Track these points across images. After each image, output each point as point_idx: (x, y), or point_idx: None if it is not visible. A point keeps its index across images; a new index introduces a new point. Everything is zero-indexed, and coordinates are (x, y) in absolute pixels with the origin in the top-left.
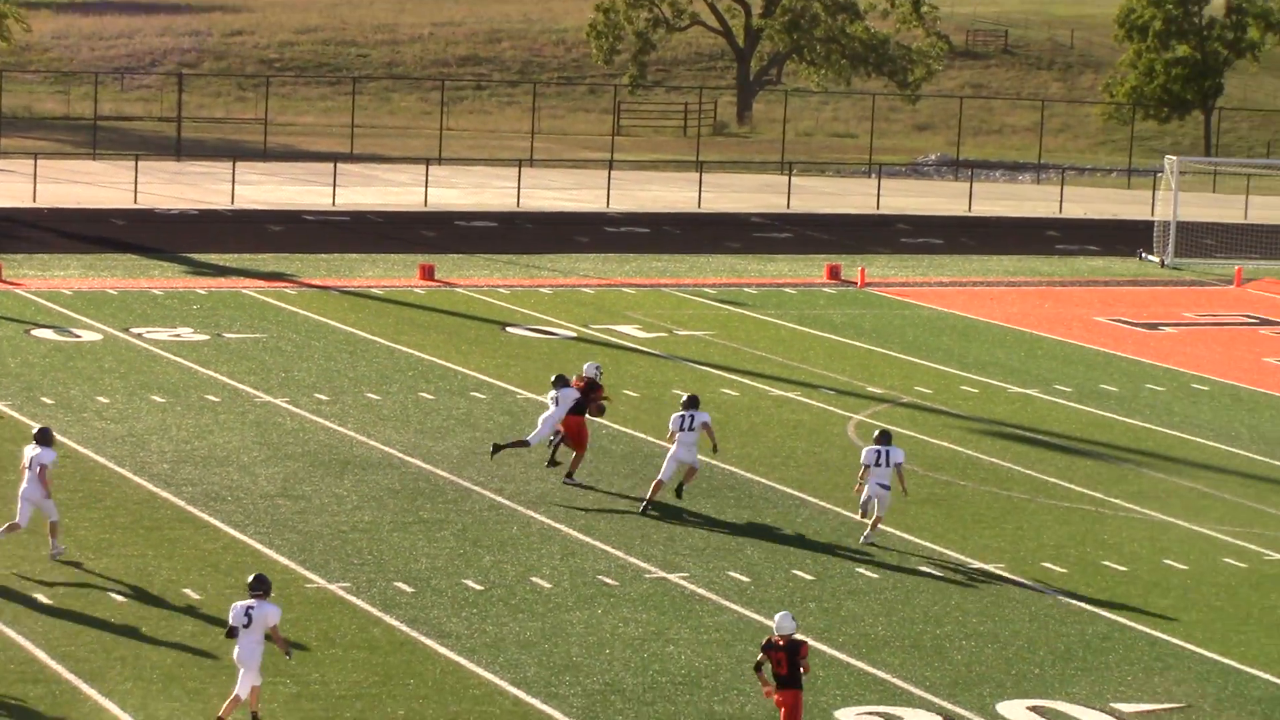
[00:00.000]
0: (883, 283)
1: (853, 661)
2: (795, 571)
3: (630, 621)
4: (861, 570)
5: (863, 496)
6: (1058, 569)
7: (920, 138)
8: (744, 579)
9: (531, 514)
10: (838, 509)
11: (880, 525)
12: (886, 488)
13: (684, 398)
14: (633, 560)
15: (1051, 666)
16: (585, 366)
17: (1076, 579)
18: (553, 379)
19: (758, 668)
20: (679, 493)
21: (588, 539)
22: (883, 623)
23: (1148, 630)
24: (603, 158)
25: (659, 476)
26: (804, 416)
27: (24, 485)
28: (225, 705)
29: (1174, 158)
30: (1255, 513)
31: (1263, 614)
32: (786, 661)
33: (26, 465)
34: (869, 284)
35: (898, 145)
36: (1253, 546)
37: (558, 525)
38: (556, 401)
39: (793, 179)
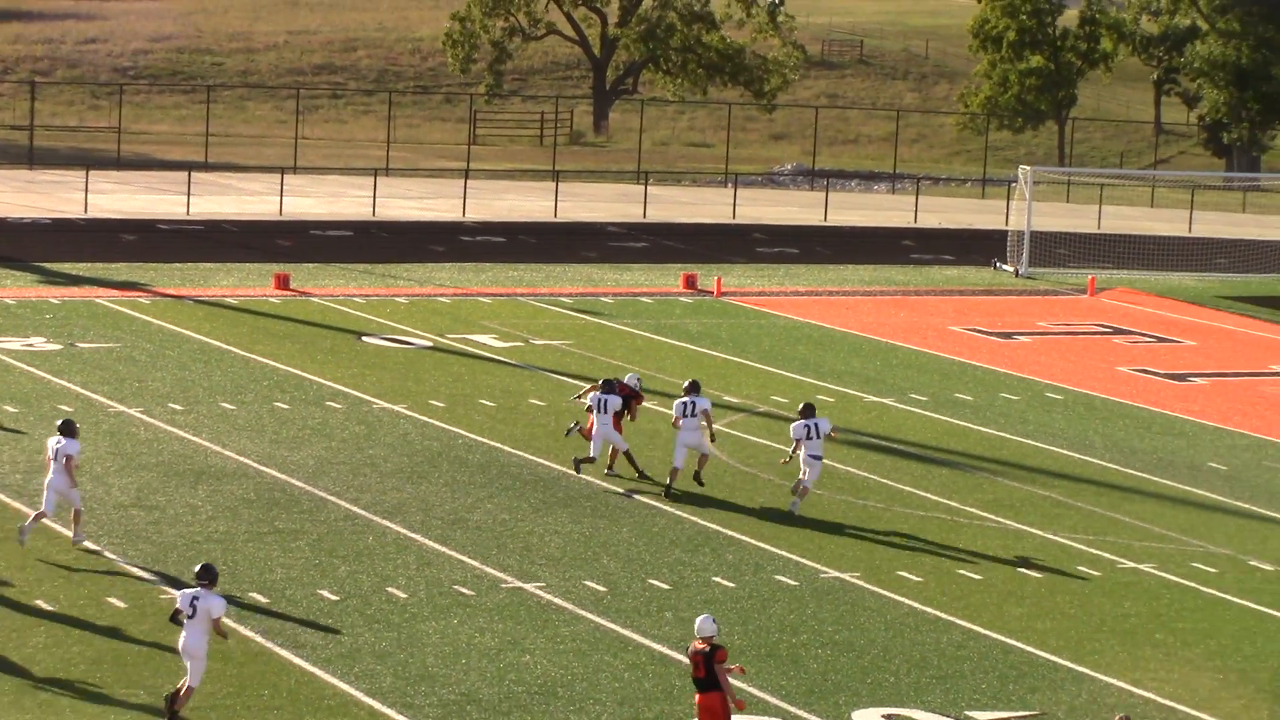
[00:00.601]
0: (739, 292)
1: None
2: (652, 581)
3: (486, 631)
4: (718, 579)
5: (799, 471)
6: (913, 577)
7: (776, 147)
8: (600, 589)
9: (387, 524)
10: (694, 518)
11: (807, 493)
12: (819, 458)
13: (685, 384)
14: (489, 570)
15: (906, 675)
16: (627, 377)
17: (931, 587)
18: (601, 383)
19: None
20: (698, 480)
21: (444, 549)
22: (739, 632)
23: (1002, 638)
24: (459, 167)
25: (673, 464)
26: (661, 426)
27: (50, 475)
28: (179, 696)
29: (1028, 168)
30: (1109, 521)
31: (1116, 621)
32: (704, 664)
33: (51, 456)
34: (725, 293)
35: (754, 155)
36: (1106, 555)
37: (413, 535)
38: (603, 407)
39: (649, 188)
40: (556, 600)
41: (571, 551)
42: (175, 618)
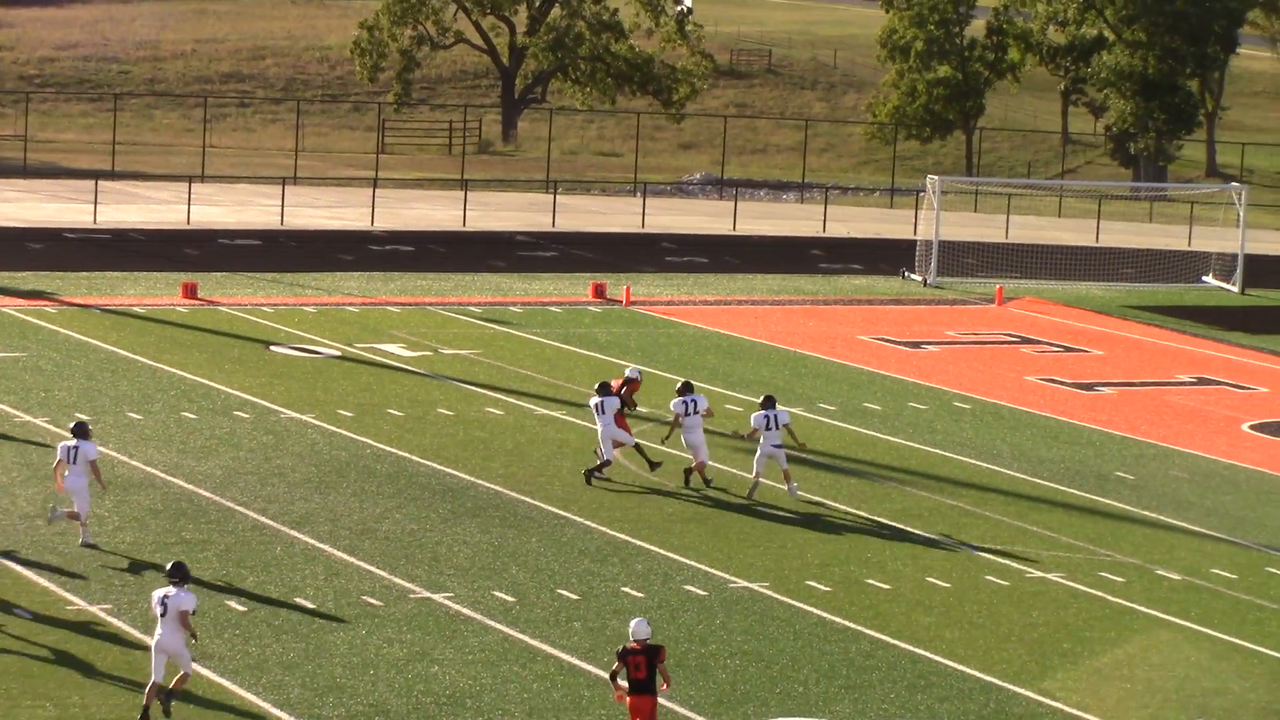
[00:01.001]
0: (648, 301)
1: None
2: (560, 591)
3: (395, 642)
4: (626, 590)
5: (757, 460)
6: (821, 587)
7: (685, 156)
8: (509, 599)
9: (295, 534)
10: (603, 528)
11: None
12: (780, 446)
13: (679, 384)
14: (397, 580)
15: (815, 685)
16: (628, 370)
17: (840, 597)
18: (596, 386)
19: (613, 676)
20: (706, 481)
21: (352, 559)
22: None
23: (910, 648)
24: (367, 176)
25: (694, 461)
26: (569, 435)
27: (69, 478)
28: (146, 691)
29: (936, 177)
30: (1017, 530)
31: (1024, 631)
32: (645, 665)
33: (66, 459)
34: (634, 302)
35: (663, 164)
36: (1014, 564)
37: (322, 545)
38: (601, 409)
39: (558, 197)
40: (465, 611)
41: (480, 562)
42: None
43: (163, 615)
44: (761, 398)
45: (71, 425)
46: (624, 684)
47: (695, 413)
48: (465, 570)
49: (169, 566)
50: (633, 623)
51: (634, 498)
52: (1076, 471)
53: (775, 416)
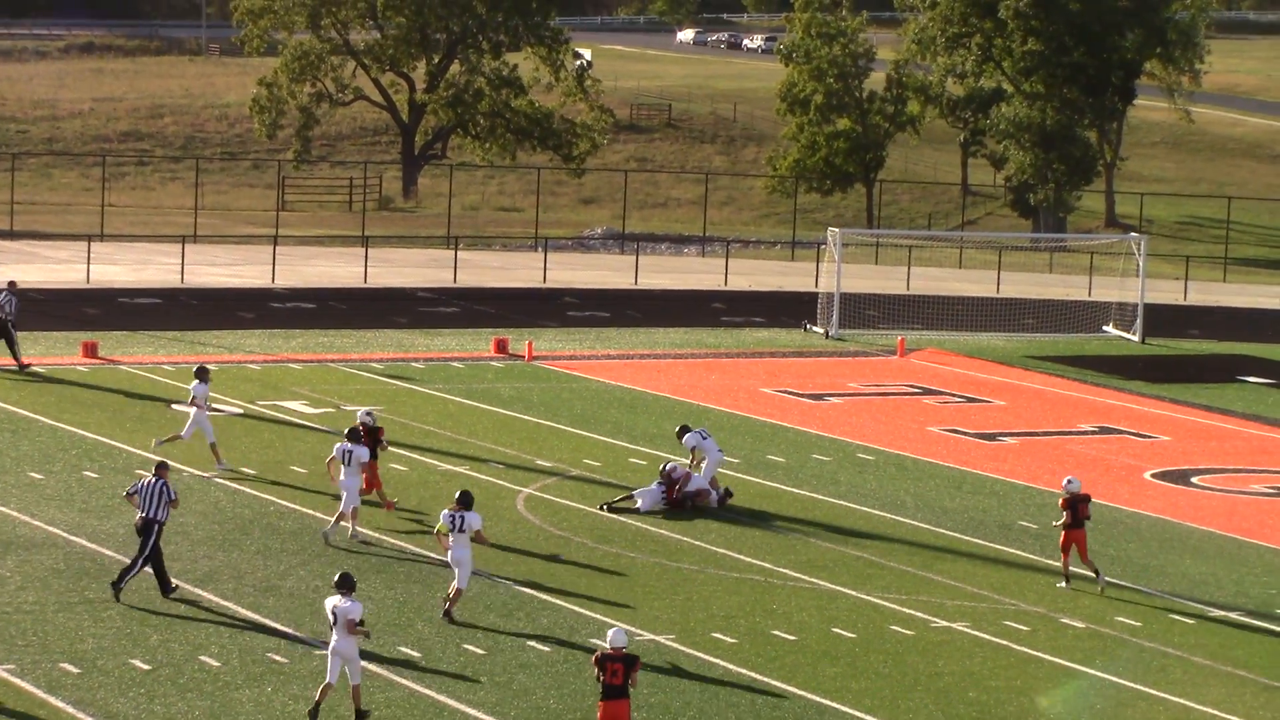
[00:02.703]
0: (550, 356)
1: None
2: (466, 646)
3: (301, 699)
4: (533, 644)
5: (451, 564)
6: (728, 639)
7: (586, 211)
8: (415, 654)
9: (199, 592)
10: (508, 582)
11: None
12: (468, 553)
13: (457, 494)
14: (302, 637)
15: None
16: (359, 414)
17: (746, 649)
18: (345, 432)
19: (599, 679)
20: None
21: (256, 616)
22: (554, 696)
23: (817, 698)
24: (267, 233)
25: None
26: (474, 491)
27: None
28: (319, 692)
29: (837, 230)
30: (921, 580)
31: (930, 679)
32: (624, 671)
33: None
34: (536, 357)
35: (564, 219)
36: (919, 614)
37: (226, 603)
38: (348, 457)
39: (459, 253)
40: (370, 667)
41: (385, 618)
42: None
43: (334, 624)
44: (458, 494)
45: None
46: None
47: (462, 529)
48: (371, 627)
49: (337, 577)
50: (610, 632)
51: (539, 551)
52: (980, 521)
53: (464, 518)
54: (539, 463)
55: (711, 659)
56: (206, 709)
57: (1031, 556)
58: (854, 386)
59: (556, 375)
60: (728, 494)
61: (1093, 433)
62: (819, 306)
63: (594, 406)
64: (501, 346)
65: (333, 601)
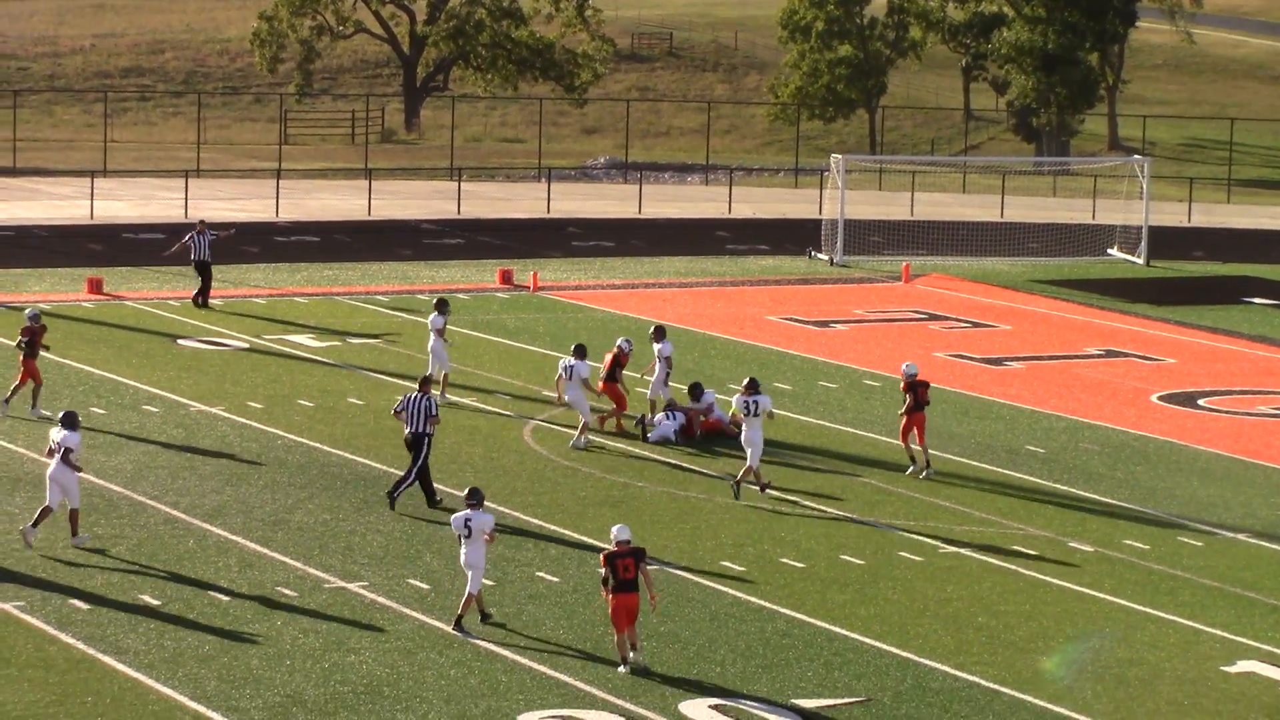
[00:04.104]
0: (555, 286)
1: (535, 666)
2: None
3: (310, 632)
4: (541, 574)
5: (744, 445)
6: (736, 567)
7: (589, 141)
8: (424, 586)
9: (208, 527)
10: (516, 513)
11: (751, 475)
12: (757, 435)
13: (745, 381)
14: (311, 570)
15: (733, 665)
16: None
17: (755, 577)
18: (573, 348)
19: (604, 582)
20: (736, 484)
21: (265, 550)
22: (564, 626)
23: (826, 625)
24: (270, 167)
25: (747, 463)
26: (479, 422)
27: (51, 468)
28: (462, 604)
29: (840, 156)
30: (929, 506)
31: (938, 606)
32: (635, 565)
33: (54, 448)
34: (542, 288)
35: (566, 149)
36: (927, 540)
37: (234, 537)
38: (570, 372)
39: (463, 185)
40: (380, 599)
41: (394, 550)
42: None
43: (468, 536)
44: (745, 381)
45: (61, 415)
46: (611, 586)
47: (756, 414)
48: (379, 559)
49: (467, 492)
50: (614, 528)
51: (547, 482)
52: (987, 446)
53: (757, 402)
54: (545, 393)
55: (720, 588)
56: (217, 643)
57: (1039, 481)
58: (859, 313)
59: (562, 305)
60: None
61: (1099, 356)
62: (823, 233)
63: (600, 336)
64: (506, 277)
65: (464, 515)
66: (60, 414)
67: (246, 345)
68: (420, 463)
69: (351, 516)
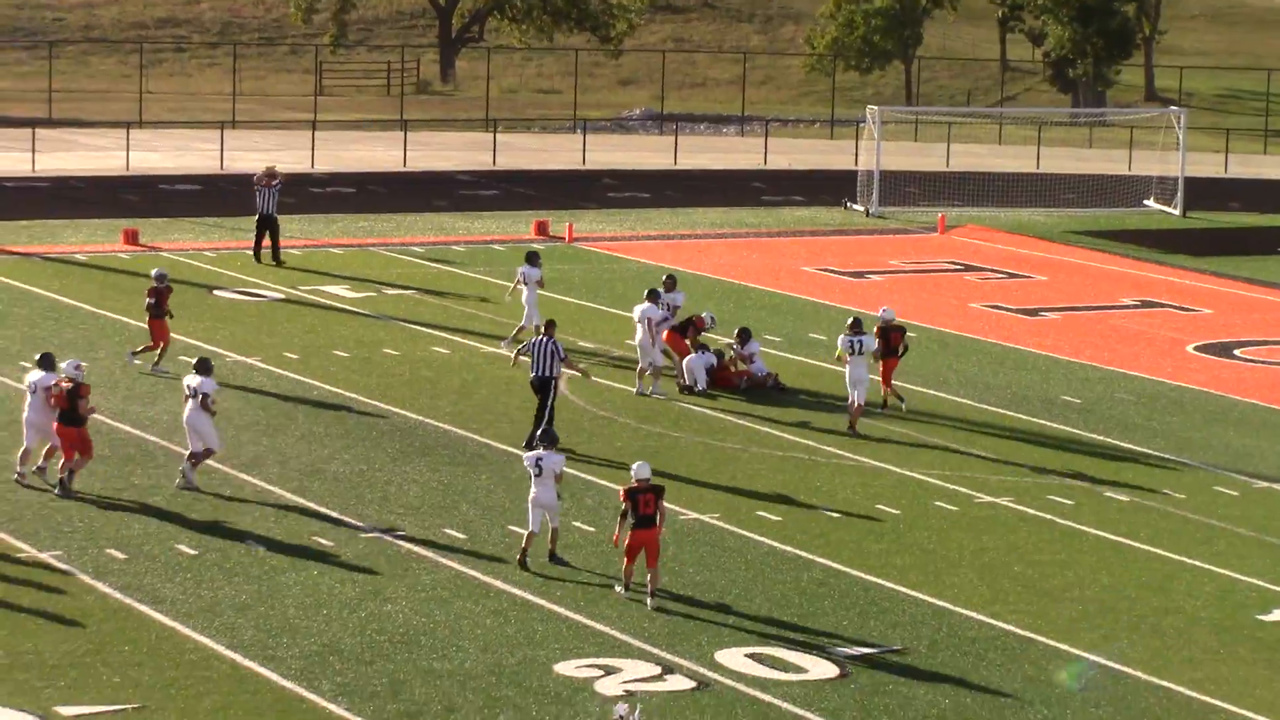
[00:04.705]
0: (591, 237)
1: (571, 615)
2: (511, 527)
3: (347, 581)
4: (577, 524)
5: (851, 391)
6: (772, 517)
7: (624, 93)
8: (460, 536)
9: (244, 477)
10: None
11: (861, 413)
12: (862, 374)
13: (850, 320)
14: (347, 520)
15: (768, 614)
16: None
17: (791, 526)
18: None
19: (623, 515)
20: (851, 427)
21: (301, 500)
22: (599, 576)
23: (862, 575)
24: (306, 118)
25: (855, 403)
26: (516, 373)
27: (186, 413)
28: (525, 540)
29: (876, 108)
30: (964, 457)
31: (974, 556)
32: (655, 501)
33: (189, 394)
34: (577, 239)
35: (602, 100)
36: (963, 489)
37: (271, 487)
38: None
39: (498, 136)
40: (416, 549)
41: (430, 500)
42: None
43: (538, 475)
44: (850, 320)
45: (195, 361)
46: (630, 521)
47: (860, 352)
48: (415, 509)
49: (539, 433)
50: (635, 465)
51: (582, 434)
52: (1023, 397)
53: (860, 342)
54: (581, 344)
55: (757, 537)
56: (254, 592)
57: (1075, 431)
58: (895, 264)
59: (597, 256)
60: (776, 383)
61: (1135, 307)
62: (859, 184)
63: (635, 287)
64: (542, 228)
65: (536, 454)
66: (195, 360)
67: (282, 296)
68: (549, 406)
69: (387, 467)
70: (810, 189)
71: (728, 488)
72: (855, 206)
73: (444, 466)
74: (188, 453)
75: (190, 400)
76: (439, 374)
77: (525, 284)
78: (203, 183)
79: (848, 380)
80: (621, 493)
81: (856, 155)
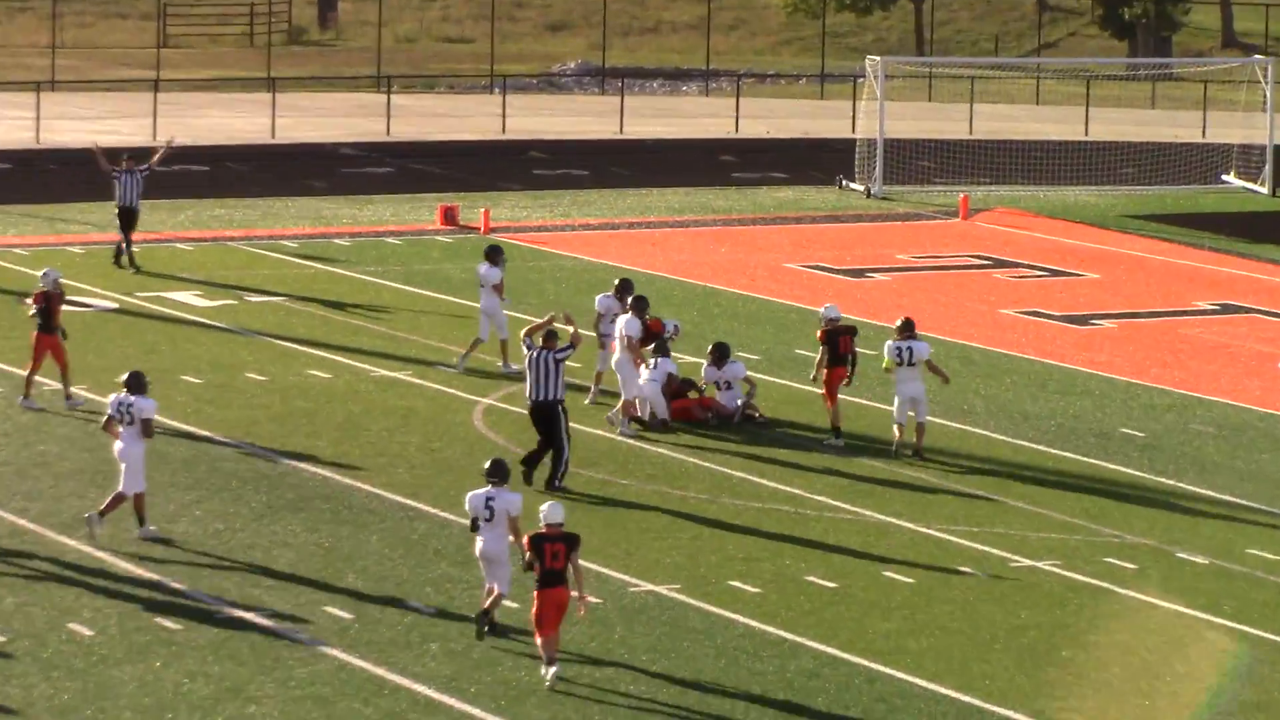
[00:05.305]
0: (513, 227)
1: (488, 717)
2: (412, 604)
3: (198, 676)
4: (506, 601)
5: (896, 408)
6: (749, 588)
7: (554, 41)
8: (345, 616)
9: (65, 541)
10: (465, 521)
11: (923, 438)
12: (916, 387)
13: (899, 322)
14: (200, 596)
15: (745, 714)
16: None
17: (774, 600)
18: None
19: (528, 567)
20: (918, 454)
21: (139, 570)
22: (525, 665)
23: (866, 662)
24: (146, 77)
25: (895, 420)
26: (417, 403)
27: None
28: (485, 598)
29: (878, 58)
30: (996, 507)
31: (1010, 636)
32: (565, 553)
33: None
34: (495, 229)
35: (526, 51)
36: (995, 550)
37: (100, 555)
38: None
39: (393, 98)
40: (289, 633)
41: (307, 569)
42: (474, 527)
43: (488, 520)
44: (899, 322)
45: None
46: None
47: (911, 362)
48: (288, 581)
49: (488, 465)
50: (544, 507)
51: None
52: (1071, 429)
53: (911, 349)
54: (500, 365)
55: (729, 614)
56: (78, 692)
57: (1137, 473)
58: (904, 259)
59: (521, 252)
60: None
61: (1212, 312)
62: (857, 157)
63: (570, 291)
64: (449, 216)
65: (484, 493)
66: (125, 376)
67: (116, 306)
68: (560, 439)
69: (251, 526)
70: (795, 163)
71: (691, 550)
72: (853, 186)
73: (324, 525)
74: (110, 500)
75: (123, 428)
76: (318, 405)
77: (484, 288)
78: (14, 160)
79: (896, 399)
80: (524, 540)
81: (854, 120)
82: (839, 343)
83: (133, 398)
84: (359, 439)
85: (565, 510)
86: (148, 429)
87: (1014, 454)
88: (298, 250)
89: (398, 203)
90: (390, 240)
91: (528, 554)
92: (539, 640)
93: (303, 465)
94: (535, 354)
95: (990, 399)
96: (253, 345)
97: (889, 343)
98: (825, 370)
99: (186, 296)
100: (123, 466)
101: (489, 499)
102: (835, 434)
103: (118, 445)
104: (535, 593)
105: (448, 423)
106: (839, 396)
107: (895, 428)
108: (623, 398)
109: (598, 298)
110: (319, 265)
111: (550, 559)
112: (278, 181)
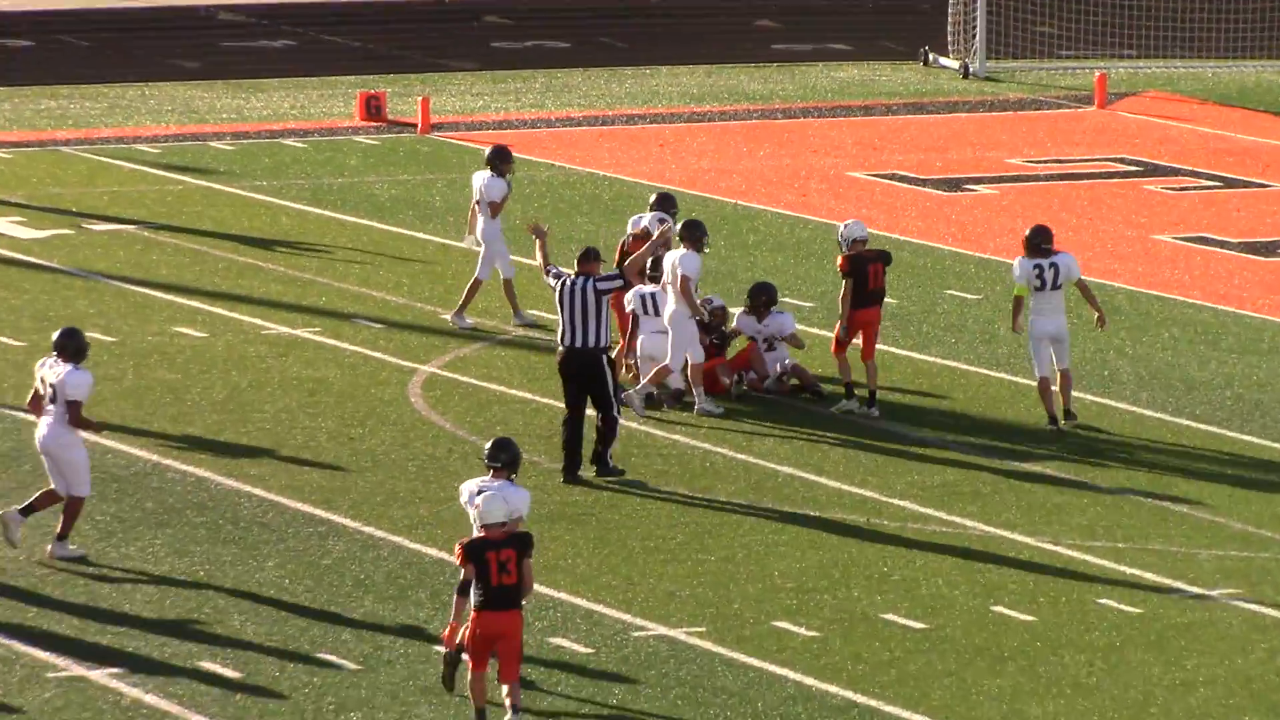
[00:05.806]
0: (462, 122)
1: None
2: (324, 656)
3: None
4: (439, 648)
5: (1034, 354)
6: (800, 631)
7: None
8: (230, 674)
9: None
10: (399, 539)
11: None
12: (1063, 320)
13: (1029, 232)
14: (33, 652)
15: None
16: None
17: (836, 649)
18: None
19: (462, 589)
20: (1068, 414)
21: None
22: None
23: None
24: None
25: (1038, 373)
26: (329, 372)
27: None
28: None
29: None
30: (1153, 513)
31: (1172, 694)
32: (515, 561)
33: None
34: (437, 125)
35: None
36: (1149, 575)
37: None
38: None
39: None
40: (148, 698)
41: (174, 606)
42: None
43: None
44: (1028, 232)
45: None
46: (475, 598)
47: (1055, 285)
48: (149, 624)
49: (490, 446)
50: (478, 499)
51: (450, 476)
52: (1255, 403)
53: (1055, 265)
54: (446, 317)
55: (773, 668)
56: None
57: None
58: (1017, 163)
59: (474, 157)
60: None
61: None
62: (950, 21)
63: (548, 212)
64: (373, 107)
65: (477, 484)
66: (55, 335)
67: None
68: (607, 404)
69: (96, 547)
70: (860, 28)
71: (720, 578)
72: (944, 61)
73: (198, 545)
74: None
75: (49, 407)
76: (188, 376)
77: (480, 209)
78: None
79: (1032, 338)
80: (458, 550)
81: None
82: (868, 272)
83: (62, 367)
84: (247, 424)
85: (525, 501)
86: (73, 415)
87: (1175, 437)
88: (159, 158)
89: (300, 89)
90: (290, 143)
91: (464, 567)
92: (473, 675)
93: (168, 462)
94: (567, 283)
95: (1141, 361)
96: (95, 291)
97: (1019, 260)
98: (851, 313)
99: (2, 224)
100: (45, 460)
101: (481, 491)
102: (869, 400)
103: (39, 430)
104: (473, 616)
105: (373, 400)
106: (876, 346)
107: (1041, 389)
108: (666, 363)
109: (631, 220)
110: (189, 179)
111: (496, 571)
112: (130, 61)
